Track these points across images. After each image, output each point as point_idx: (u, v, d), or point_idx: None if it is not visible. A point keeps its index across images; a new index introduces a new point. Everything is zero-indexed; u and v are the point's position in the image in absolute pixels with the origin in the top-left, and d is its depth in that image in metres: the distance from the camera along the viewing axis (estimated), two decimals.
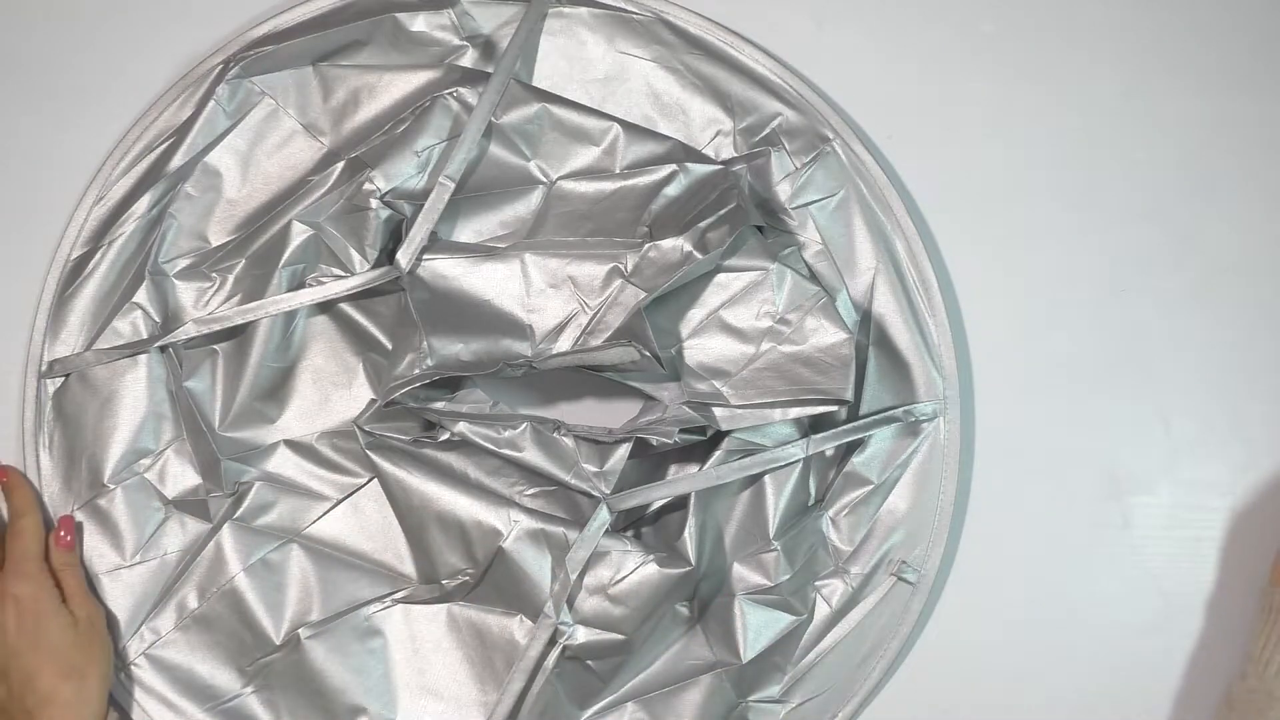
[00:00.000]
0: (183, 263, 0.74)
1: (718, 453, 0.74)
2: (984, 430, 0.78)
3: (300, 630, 0.72)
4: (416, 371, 0.71)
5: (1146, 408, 0.79)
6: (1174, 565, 0.78)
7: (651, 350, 0.70)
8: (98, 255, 0.73)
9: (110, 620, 0.72)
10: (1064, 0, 0.81)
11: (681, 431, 0.72)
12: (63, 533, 0.71)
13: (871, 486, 0.75)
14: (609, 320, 0.73)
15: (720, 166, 0.75)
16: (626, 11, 0.77)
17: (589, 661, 0.72)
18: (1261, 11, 0.81)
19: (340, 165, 0.74)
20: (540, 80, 0.77)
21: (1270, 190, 0.81)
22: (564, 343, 0.73)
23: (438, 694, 0.73)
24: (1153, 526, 0.78)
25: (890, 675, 0.75)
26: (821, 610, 0.74)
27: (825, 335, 0.73)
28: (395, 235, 0.74)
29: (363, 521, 0.74)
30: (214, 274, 0.74)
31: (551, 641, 0.71)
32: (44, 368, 0.73)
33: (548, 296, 0.73)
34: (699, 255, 0.71)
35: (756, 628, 0.73)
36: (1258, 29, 0.81)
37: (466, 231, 0.76)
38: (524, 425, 0.72)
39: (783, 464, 0.73)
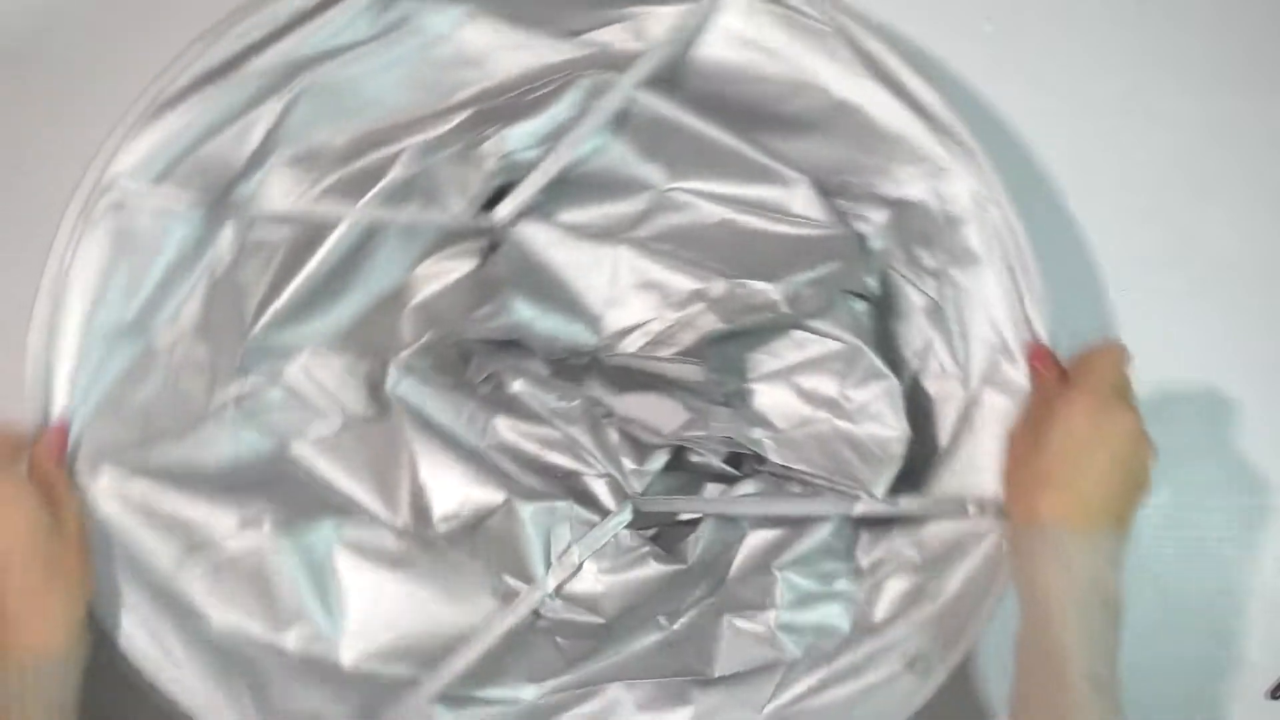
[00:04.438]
0: (285, 153, 0.69)
1: (751, 481, 0.73)
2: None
3: (265, 519, 0.68)
4: (491, 324, 0.69)
5: (1147, 407, 0.78)
6: (1174, 565, 0.78)
7: (714, 379, 0.70)
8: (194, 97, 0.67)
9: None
10: (1064, 0, 0.82)
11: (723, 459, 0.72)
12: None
13: (916, 564, 0.70)
14: (680, 338, 0.72)
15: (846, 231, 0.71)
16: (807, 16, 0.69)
17: (558, 638, 0.71)
18: (1261, 11, 0.82)
19: (468, 114, 0.71)
20: (699, 81, 0.71)
21: (1270, 190, 0.81)
22: (630, 344, 0.72)
23: (392, 626, 0.69)
24: (1153, 526, 0.78)
25: None
26: (815, 661, 0.69)
27: (882, 427, 0.71)
28: (497, 199, 0.72)
29: (363, 456, 0.72)
30: (308, 175, 0.70)
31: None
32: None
33: (629, 295, 0.72)
34: (786, 310, 0.70)
35: (735, 650, 0.70)
36: (1257, 29, 0.82)
37: (568, 215, 0.74)
38: (578, 400, 0.71)
39: (816, 517, 0.71)
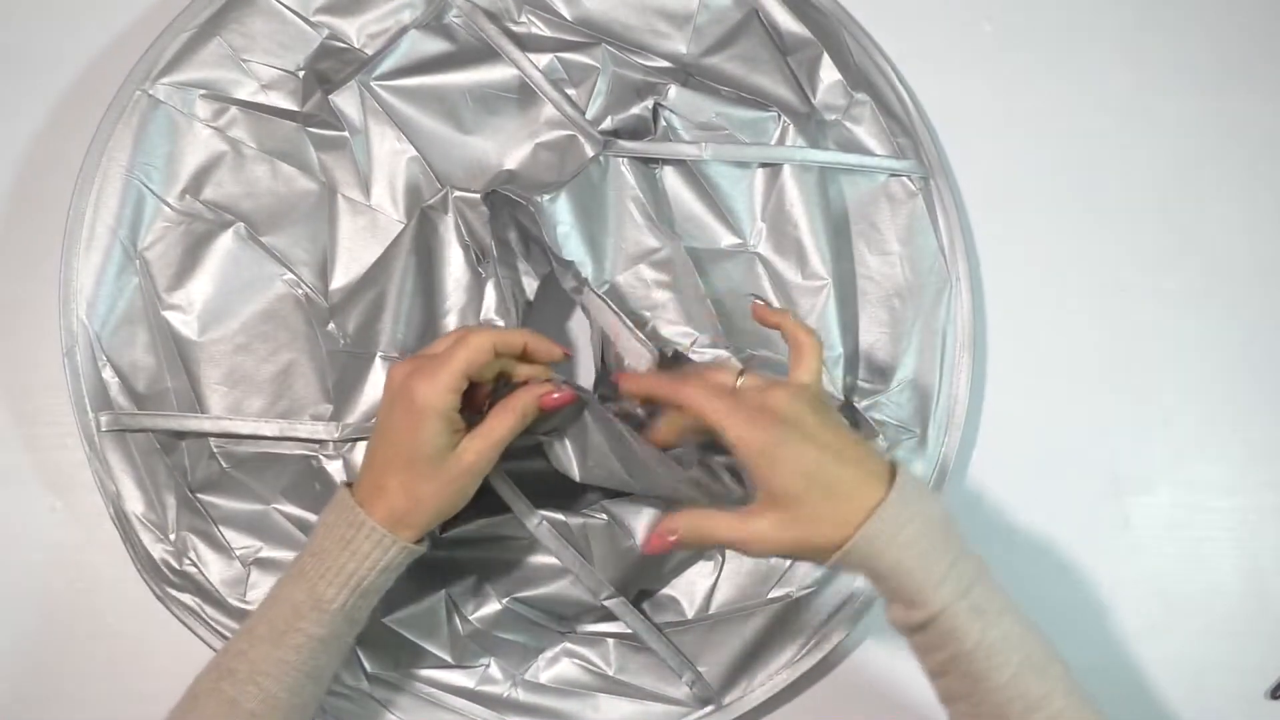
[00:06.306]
0: None
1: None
2: (984, 430, 0.78)
3: None
4: (539, 197, 0.70)
5: (1147, 408, 0.79)
6: (1174, 565, 0.78)
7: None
8: None
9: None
10: (1064, 0, 0.81)
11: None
12: (554, 394, 0.64)
13: None
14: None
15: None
16: None
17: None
18: (1261, 11, 0.82)
19: (665, 65, 0.76)
20: None
21: (1271, 190, 0.81)
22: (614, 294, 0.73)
23: None
24: (1153, 526, 0.78)
25: (881, 671, 0.75)
26: None
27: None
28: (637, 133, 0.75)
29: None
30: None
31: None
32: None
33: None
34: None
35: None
36: (1258, 29, 0.82)
37: (670, 187, 0.76)
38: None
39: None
